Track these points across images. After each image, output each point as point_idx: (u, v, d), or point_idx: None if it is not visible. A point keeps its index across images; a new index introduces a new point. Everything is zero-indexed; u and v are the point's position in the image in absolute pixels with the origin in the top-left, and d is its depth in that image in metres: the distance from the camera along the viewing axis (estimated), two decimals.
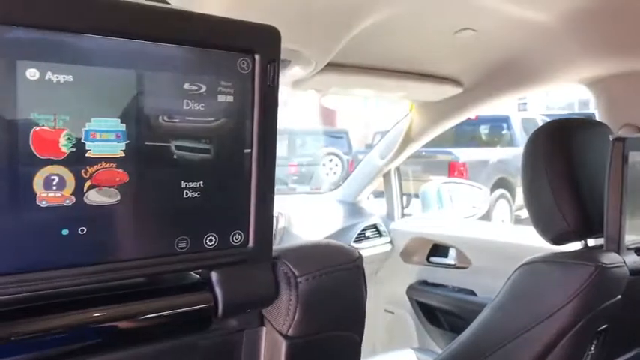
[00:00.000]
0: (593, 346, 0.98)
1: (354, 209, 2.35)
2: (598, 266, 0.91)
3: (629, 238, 1.02)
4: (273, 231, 1.86)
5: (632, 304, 1.08)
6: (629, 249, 0.99)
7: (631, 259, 0.98)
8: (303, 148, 9.55)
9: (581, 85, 1.48)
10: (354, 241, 2.12)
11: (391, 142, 2.14)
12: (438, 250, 2.18)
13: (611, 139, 0.96)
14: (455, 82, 1.67)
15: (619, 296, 0.97)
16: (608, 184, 0.96)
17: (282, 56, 1.35)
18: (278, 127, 0.46)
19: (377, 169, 2.25)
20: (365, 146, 10.97)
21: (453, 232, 2.09)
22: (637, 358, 1.11)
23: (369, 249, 2.16)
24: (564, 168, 1.03)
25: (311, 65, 1.28)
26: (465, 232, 2.06)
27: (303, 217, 2.05)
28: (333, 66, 1.42)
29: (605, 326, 0.98)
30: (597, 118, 1.46)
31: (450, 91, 1.70)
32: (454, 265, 2.03)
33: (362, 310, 0.60)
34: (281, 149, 9.06)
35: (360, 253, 0.61)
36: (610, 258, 0.94)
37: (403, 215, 2.37)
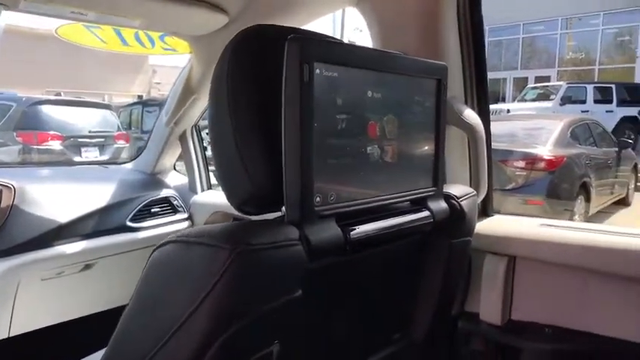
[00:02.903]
0: None
1: (148, 181, 1.92)
2: (236, 248, 0.56)
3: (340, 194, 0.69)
4: None
5: (338, 301, 0.77)
6: (326, 216, 0.65)
7: (326, 232, 0.65)
8: None
9: (353, 7, 1.15)
10: (132, 219, 1.69)
11: (173, 95, 1.72)
12: None
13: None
14: (217, 8, 1.28)
15: (298, 292, 0.64)
16: (285, 114, 0.61)
17: None
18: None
19: (167, 131, 1.83)
20: None
21: None
22: None
23: (155, 228, 1.76)
24: (253, 102, 0.67)
25: None
26: None
27: (54, 191, 1.59)
28: None
29: (275, 342, 0.65)
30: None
31: (213, 21, 1.31)
32: None
33: None
34: (150, 122, 8.32)
35: None
36: (271, 234, 0.60)
37: (210, 186, 1.99)
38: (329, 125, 0.64)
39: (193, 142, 1.91)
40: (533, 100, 12.01)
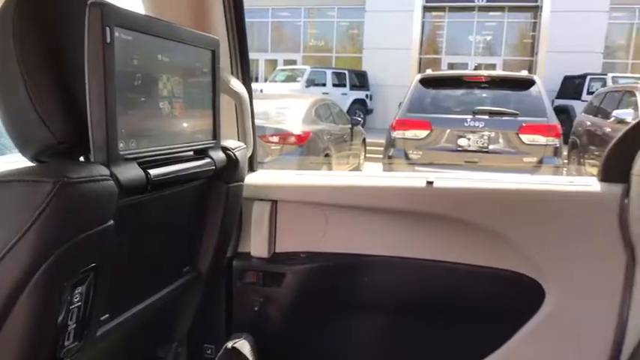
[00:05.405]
0: (78, 294, 0.72)
1: None
2: (59, 181, 0.63)
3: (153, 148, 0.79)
4: None
5: (139, 234, 0.88)
6: (129, 159, 0.75)
7: (130, 172, 0.74)
8: None
9: None
10: None
11: None
12: None
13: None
14: None
15: (110, 222, 0.73)
16: (89, 71, 0.68)
17: None
18: None
19: None
20: None
21: None
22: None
23: None
24: (45, 52, 0.71)
25: None
26: None
27: None
28: None
29: (92, 265, 0.73)
30: None
31: None
32: None
33: None
34: None
35: None
36: (86, 170, 0.68)
37: None
38: (128, 82, 0.73)
39: None
40: (283, 81, 13.03)
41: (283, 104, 6.69)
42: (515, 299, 1.17)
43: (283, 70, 14.01)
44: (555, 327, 1.13)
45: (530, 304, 1.15)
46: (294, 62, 15.42)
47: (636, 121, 1.10)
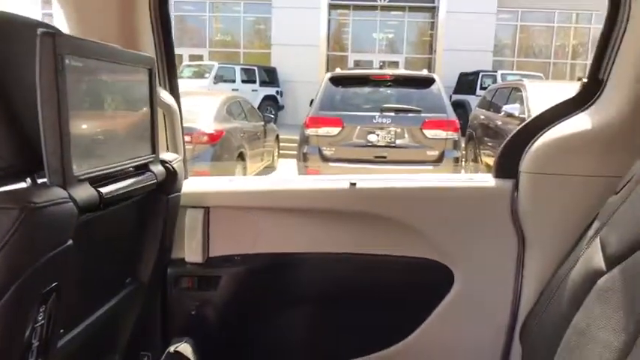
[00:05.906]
0: (42, 313, 0.75)
1: None
2: (25, 207, 0.66)
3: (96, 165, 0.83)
4: None
5: (89, 251, 0.91)
6: (81, 180, 0.79)
7: (84, 192, 0.78)
8: None
9: None
10: None
11: None
12: None
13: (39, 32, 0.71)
14: None
15: (69, 242, 0.77)
16: (42, 97, 0.72)
17: None
18: None
19: None
20: None
21: None
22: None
23: None
24: None
25: None
26: None
27: None
28: None
29: (54, 285, 0.76)
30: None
31: None
32: None
33: None
34: None
35: None
36: (48, 194, 0.71)
37: None
38: (78, 106, 0.77)
39: None
40: (190, 77, 12.68)
41: (193, 102, 6.47)
42: (429, 284, 1.33)
43: (189, 65, 13.63)
44: (464, 304, 1.30)
45: (442, 286, 1.31)
46: (200, 58, 15.04)
47: (523, 124, 1.30)
